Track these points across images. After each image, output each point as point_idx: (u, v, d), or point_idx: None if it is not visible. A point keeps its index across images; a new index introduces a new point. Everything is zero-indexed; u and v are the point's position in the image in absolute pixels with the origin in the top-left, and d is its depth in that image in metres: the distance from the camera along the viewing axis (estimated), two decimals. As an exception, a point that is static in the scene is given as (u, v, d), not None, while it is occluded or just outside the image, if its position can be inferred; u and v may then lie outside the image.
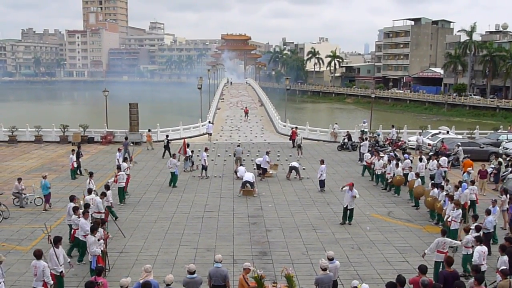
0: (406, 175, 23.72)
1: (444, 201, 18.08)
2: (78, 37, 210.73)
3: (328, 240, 17.31)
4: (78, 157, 26.93)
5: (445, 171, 25.05)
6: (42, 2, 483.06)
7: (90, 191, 18.14)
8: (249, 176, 23.92)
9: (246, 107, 60.33)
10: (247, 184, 23.53)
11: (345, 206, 19.18)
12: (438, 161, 25.17)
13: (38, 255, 11.59)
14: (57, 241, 12.42)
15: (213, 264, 11.78)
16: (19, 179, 21.44)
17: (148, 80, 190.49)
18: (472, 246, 13.64)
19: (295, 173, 27.08)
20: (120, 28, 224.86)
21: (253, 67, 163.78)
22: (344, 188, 19.59)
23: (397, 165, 24.31)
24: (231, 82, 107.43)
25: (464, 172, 24.25)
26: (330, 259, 12.06)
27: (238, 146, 30.91)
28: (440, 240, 13.67)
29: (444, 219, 17.25)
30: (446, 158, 26.59)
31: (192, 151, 29.68)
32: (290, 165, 27.53)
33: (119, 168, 22.97)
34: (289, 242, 17.10)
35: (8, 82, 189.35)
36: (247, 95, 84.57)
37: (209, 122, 46.69)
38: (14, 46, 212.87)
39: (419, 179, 22.21)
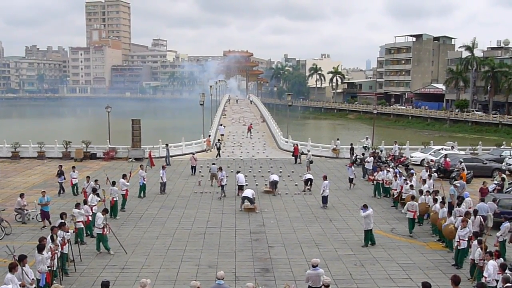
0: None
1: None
2: (81, 54, 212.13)
3: (331, 257, 17.20)
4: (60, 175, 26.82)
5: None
6: (44, 20, 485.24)
7: (85, 203, 18.91)
8: (248, 193, 23.81)
9: (250, 124, 58.54)
10: (246, 200, 23.50)
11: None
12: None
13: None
14: (22, 259, 12.19)
15: (215, 280, 11.71)
16: (22, 195, 21.50)
17: (150, 96, 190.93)
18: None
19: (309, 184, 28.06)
20: (123, 45, 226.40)
21: (255, 84, 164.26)
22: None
23: (405, 180, 24.15)
24: (237, 100, 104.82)
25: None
26: (314, 266, 12.17)
27: (214, 164, 30.94)
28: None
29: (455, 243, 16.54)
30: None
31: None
32: (305, 178, 28.39)
33: (114, 183, 22.64)
34: (292, 259, 17.01)
35: (12, 99, 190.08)
36: (249, 111, 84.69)
37: (221, 125, 55.21)
38: (17, 63, 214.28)
39: (423, 197, 21.93)
